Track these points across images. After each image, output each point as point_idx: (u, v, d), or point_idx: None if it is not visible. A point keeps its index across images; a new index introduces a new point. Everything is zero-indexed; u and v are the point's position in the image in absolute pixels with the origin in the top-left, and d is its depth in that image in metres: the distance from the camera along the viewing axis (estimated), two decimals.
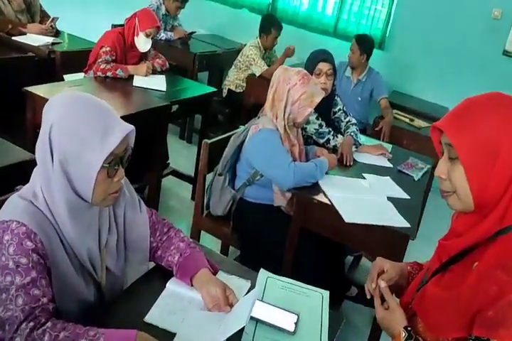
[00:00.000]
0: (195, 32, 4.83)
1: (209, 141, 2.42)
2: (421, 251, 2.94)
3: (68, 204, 1.15)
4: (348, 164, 2.56)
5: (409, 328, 1.13)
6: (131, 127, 1.17)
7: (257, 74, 4.23)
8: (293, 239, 2.21)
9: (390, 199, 2.27)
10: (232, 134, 2.44)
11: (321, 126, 2.69)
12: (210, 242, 2.75)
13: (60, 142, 1.11)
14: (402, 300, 1.26)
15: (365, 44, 3.98)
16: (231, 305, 1.29)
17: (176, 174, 3.69)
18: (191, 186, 3.58)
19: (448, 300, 1.07)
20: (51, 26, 3.74)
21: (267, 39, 4.35)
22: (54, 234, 1.17)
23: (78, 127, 1.11)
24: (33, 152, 1.23)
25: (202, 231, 2.58)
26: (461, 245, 1.08)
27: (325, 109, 2.76)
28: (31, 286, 1.09)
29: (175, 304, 1.31)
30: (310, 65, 2.64)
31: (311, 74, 2.60)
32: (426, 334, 1.12)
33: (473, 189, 1.03)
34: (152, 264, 1.49)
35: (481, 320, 0.98)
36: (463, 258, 1.08)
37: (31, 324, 1.06)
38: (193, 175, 3.57)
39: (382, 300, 1.23)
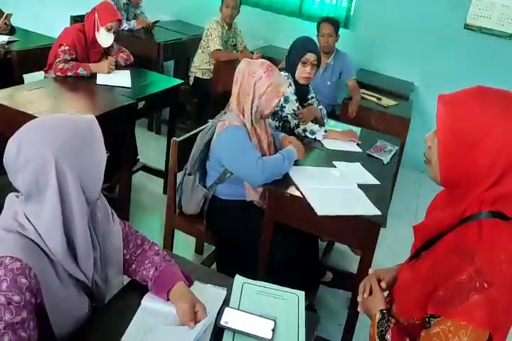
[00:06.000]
0: (158, 21, 4.72)
1: (178, 139, 2.40)
2: (393, 229, 3.04)
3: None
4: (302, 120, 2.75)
5: (384, 311, 1.22)
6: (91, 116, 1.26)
7: (211, 50, 4.18)
8: (267, 234, 2.23)
9: (360, 186, 2.31)
10: (201, 130, 2.43)
11: (298, 108, 2.77)
12: (185, 240, 2.77)
13: (71, 166, 1.15)
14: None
15: (339, 26, 3.98)
16: (198, 322, 1.30)
17: (146, 169, 3.66)
18: (162, 180, 3.55)
19: (412, 283, 1.15)
20: (5, 23, 3.61)
21: (222, 9, 4.28)
22: (47, 262, 1.17)
23: (80, 145, 1.17)
24: None
25: (176, 229, 2.58)
26: (430, 232, 1.16)
27: (302, 97, 2.86)
28: (19, 327, 1.07)
29: (151, 321, 1.31)
30: (297, 54, 2.72)
31: (297, 62, 2.69)
32: (398, 316, 1.20)
33: (441, 169, 1.10)
34: (127, 279, 1.49)
35: (434, 299, 1.06)
36: (432, 245, 1.15)
37: None
38: (163, 168, 3.54)
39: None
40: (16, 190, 1.22)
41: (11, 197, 1.24)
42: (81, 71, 2.99)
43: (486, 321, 0.99)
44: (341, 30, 4.06)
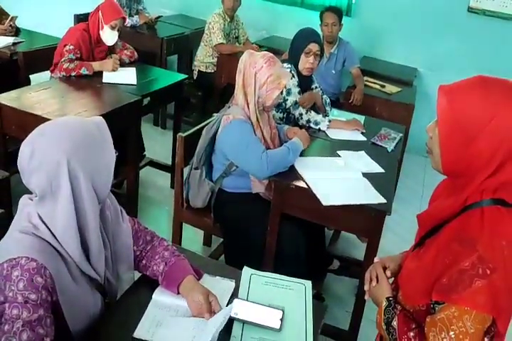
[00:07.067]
0: (161, 16, 4.74)
1: (183, 135, 2.43)
2: (398, 214, 3.06)
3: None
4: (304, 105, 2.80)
5: (390, 298, 1.25)
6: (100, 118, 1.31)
7: (214, 44, 4.19)
8: (274, 225, 2.27)
9: (365, 175, 2.34)
10: (206, 125, 2.46)
11: None
12: (193, 233, 2.82)
13: (83, 167, 1.19)
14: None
15: (342, 15, 3.99)
16: (214, 312, 1.35)
17: (153, 164, 3.70)
18: (169, 174, 3.59)
19: (416, 271, 1.18)
20: (10, 26, 3.64)
21: (223, 0, 4.25)
22: (61, 261, 1.22)
23: (90, 147, 1.21)
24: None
25: (184, 223, 2.62)
26: (433, 220, 1.19)
27: (306, 87, 2.89)
28: (37, 324, 1.12)
29: (162, 315, 1.36)
30: (300, 44, 2.77)
31: (300, 53, 2.73)
32: (404, 303, 1.24)
33: (442, 160, 1.12)
34: (138, 274, 1.54)
35: (438, 286, 1.09)
36: (435, 233, 1.18)
37: None
38: (169, 162, 3.57)
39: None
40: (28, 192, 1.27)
41: (24, 199, 1.29)
42: (83, 71, 3.02)
43: (489, 306, 1.02)
44: (343, 18, 4.05)
